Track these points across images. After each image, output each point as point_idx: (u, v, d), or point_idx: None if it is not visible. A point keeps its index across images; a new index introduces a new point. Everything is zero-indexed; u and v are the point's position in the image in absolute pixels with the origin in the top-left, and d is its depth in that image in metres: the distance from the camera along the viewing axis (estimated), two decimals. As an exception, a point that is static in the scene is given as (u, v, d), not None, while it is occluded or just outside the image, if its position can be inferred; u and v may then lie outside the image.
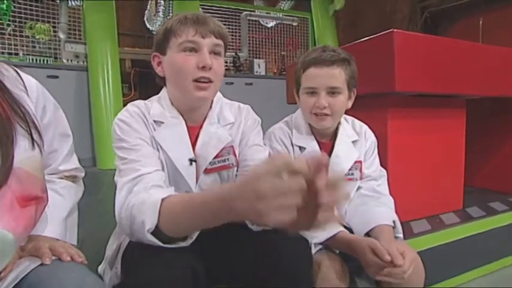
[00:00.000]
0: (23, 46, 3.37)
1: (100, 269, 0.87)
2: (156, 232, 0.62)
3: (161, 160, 0.80)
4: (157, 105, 0.86)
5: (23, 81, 0.65)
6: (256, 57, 4.68)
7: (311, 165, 0.45)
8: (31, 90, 0.67)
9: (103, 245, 0.90)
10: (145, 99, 0.90)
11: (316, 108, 0.95)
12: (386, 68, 1.25)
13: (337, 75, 0.94)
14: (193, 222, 0.60)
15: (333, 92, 0.95)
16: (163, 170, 0.80)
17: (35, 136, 0.61)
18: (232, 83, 3.99)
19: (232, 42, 4.61)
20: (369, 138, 1.07)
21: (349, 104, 1.01)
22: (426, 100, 1.47)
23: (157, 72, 0.86)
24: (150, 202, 0.63)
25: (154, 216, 0.61)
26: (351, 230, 0.95)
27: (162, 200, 0.63)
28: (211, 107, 0.89)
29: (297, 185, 0.43)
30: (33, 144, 0.60)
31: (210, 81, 0.80)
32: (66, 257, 0.60)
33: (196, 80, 0.79)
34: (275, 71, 4.84)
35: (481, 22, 4.19)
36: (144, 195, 0.67)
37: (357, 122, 1.09)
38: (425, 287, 0.87)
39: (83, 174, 0.87)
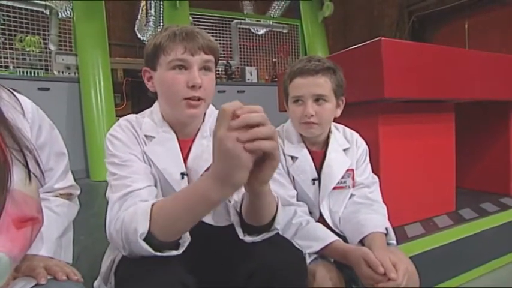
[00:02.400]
0: (13, 59, 3.35)
1: (96, 284, 0.87)
2: (149, 239, 0.63)
3: (153, 175, 0.81)
4: (149, 120, 0.86)
5: (19, 103, 0.66)
6: (247, 65, 4.71)
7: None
8: (27, 111, 0.67)
9: (98, 260, 0.89)
10: (138, 108, 0.91)
11: (304, 117, 0.97)
12: (375, 76, 1.27)
13: (323, 84, 0.96)
14: (185, 214, 0.60)
15: (319, 100, 0.97)
16: (155, 184, 0.80)
17: (31, 158, 0.61)
18: (224, 91, 4.00)
19: (224, 50, 4.63)
20: (360, 146, 1.08)
21: (338, 113, 1.03)
22: (415, 105, 1.49)
23: (149, 87, 0.86)
24: (141, 209, 0.64)
25: (146, 221, 0.62)
26: (344, 238, 0.96)
27: (152, 205, 0.64)
28: (203, 120, 0.90)
29: (243, 120, 0.51)
30: (28, 165, 0.60)
31: (201, 99, 0.80)
32: (62, 276, 0.60)
33: (187, 99, 0.79)
34: (267, 78, 4.87)
35: (466, 26, 4.29)
36: (133, 208, 0.67)
37: (348, 130, 1.10)
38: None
39: (78, 192, 0.87)
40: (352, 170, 1.04)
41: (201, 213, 0.60)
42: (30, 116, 0.68)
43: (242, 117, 0.51)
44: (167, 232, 0.63)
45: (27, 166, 0.59)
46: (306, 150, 1.02)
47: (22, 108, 0.66)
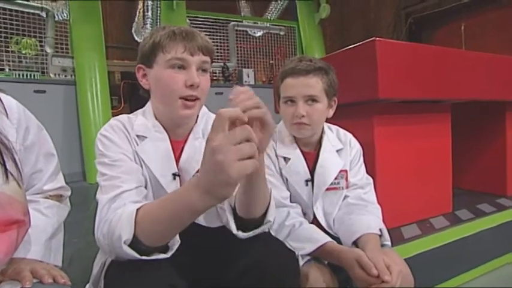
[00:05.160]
0: (9, 61, 3.34)
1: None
2: (136, 244, 0.62)
3: (144, 175, 0.80)
4: (141, 120, 0.86)
5: (2, 104, 0.65)
6: (245, 67, 4.71)
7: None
8: (11, 112, 0.66)
9: (91, 263, 0.89)
10: (135, 111, 0.90)
11: (295, 118, 0.96)
12: (369, 76, 1.27)
13: (314, 84, 0.95)
14: (170, 221, 0.59)
15: (310, 100, 0.96)
16: (146, 185, 0.80)
17: (9, 156, 0.60)
18: (221, 93, 3.99)
19: (221, 52, 4.63)
20: (354, 147, 1.08)
21: (330, 113, 1.02)
22: (411, 106, 1.49)
23: (142, 84, 0.86)
24: (125, 215, 0.63)
25: (130, 227, 0.61)
26: (338, 240, 0.95)
27: (137, 210, 0.62)
28: (196, 121, 0.89)
29: (243, 132, 0.49)
30: (5, 163, 0.59)
31: (197, 99, 0.80)
32: (48, 279, 0.59)
33: (183, 98, 0.79)
34: (264, 79, 4.87)
35: (462, 27, 4.30)
36: (119, 211, 0.66)
37: (342, 131, 1.10)
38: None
39: (68, 193, 0.86)
40: (346, 171, 1.03)
41: (186, 221, 0.59)
42: (15, 117, 0.67)
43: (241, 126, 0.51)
44: (152, 237, 0.62)
45: (3, 164, 0.57)
46: (298, 151, 1.02)
47: (5, 109, 0.65)
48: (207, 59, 0.82)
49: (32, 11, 3.48)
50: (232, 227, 0.73)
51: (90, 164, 3.21)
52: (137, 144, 0.82)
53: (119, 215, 0.65)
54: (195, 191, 0.54)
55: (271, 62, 5.01)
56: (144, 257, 0.62)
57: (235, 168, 0.47)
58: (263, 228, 0.73)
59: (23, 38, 3.39)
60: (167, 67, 0.79)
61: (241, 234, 0.72)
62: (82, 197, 2.51)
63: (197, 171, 0.84)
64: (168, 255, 0.64)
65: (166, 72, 0.79)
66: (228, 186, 0.50)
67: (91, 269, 0.86)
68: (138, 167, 0.80)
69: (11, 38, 3.35)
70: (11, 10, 3.34)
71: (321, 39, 5.05)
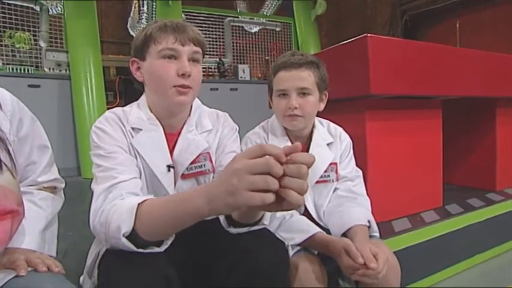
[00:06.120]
0: (2, 55, 3.31)
1: (81, 279, 0.87)
2: (133, 236, 0.63)
3: (139, 167, 0.81)
4: (136, 112, 0.87)
5: None
6: (240, 63, 4.70)
7: (287, 151, 0.49)
8: (5, 104, 0.67)
9: (86, 256, 0.90)
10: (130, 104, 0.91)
11: (288, 110, 0.98)
12: (361, 72, 1.29)
13: (306, 77, 0.98)
14: (172, 222, 0.60)
15: (303, 93, 0.98)
16: (140, 176, 0.81)
17: (3, 147, 0.61)
18: (217, 89, 3.99)
19: (216, 48, 4.62)
20: (344, 140, 1.10)
21: (321, 107, 1.04)
22: (403, 102, 1.51)
23: (136, 77, 0.87)
24: (126, 207, 0.64)
25: (130, 220, 0.62)
26: (329, 232, 0.97)
27: (139, 204, 0.63)
28: (190, 114, 0.91)
29: (263, 165, 0.47)
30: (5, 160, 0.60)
31: (189, 87, 0.82)
32: (43, 268, 0.61)
33: (176, 86, 0.80)
34: (259, 75, 4.88)
35: (457, 25, 4.33)
36: (118, 202, 0.67)
37: (332, 125, 1.12)
38: (403, 287, 0.90)
39: (63, 185, 0.87)
40: (336, 163, 1.05)
41: (187, 224, 0.60)
42: (9, 109, 0.68)
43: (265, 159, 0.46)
44: (151, 234, 0.63)
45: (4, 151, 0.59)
46: (289, 144, 1.03)
47: None
48: (198, 49, 0.83)
49: (25, 4, 3.45)
50: (224, 223, 0.74)
51: (85, 159, 3.20)
52: (132, 137, 0.83)
53: (117, 205, 0.66)
54: (201, 197, 0.54)
55: (266, 58, 5.01)
56: (140, 250, 0.63)
57: (243, 197, 0.47)
58: (256, 227, 0.74)
59: (16, 32, 3.36)
60: (159, 57, 0.80)
61: (233, 230, 0.73)
62: (77, 191, 2.51)
63: (192, 163, 0.85)
64: (162, 249, 0.66)
65: (158, 62, 0.80)
66: (231, 208, 0.51)
67: (85, 260, 0.87)
68: (133, 159, 0.81)
69: (4, 31, 3.32)
70: (4, 3, 3.31)
71: (316, 35, 5.05)
